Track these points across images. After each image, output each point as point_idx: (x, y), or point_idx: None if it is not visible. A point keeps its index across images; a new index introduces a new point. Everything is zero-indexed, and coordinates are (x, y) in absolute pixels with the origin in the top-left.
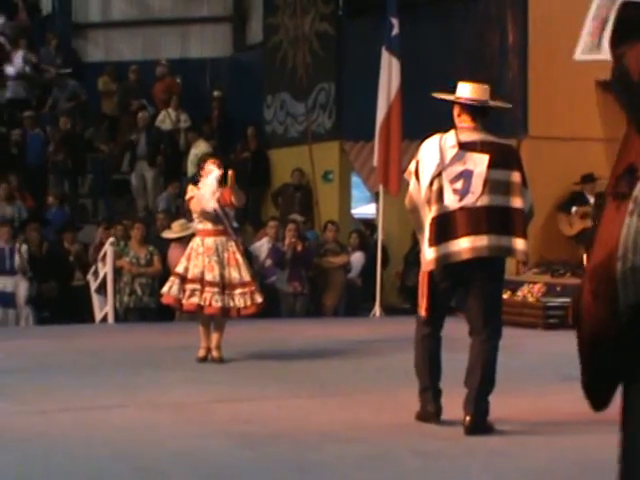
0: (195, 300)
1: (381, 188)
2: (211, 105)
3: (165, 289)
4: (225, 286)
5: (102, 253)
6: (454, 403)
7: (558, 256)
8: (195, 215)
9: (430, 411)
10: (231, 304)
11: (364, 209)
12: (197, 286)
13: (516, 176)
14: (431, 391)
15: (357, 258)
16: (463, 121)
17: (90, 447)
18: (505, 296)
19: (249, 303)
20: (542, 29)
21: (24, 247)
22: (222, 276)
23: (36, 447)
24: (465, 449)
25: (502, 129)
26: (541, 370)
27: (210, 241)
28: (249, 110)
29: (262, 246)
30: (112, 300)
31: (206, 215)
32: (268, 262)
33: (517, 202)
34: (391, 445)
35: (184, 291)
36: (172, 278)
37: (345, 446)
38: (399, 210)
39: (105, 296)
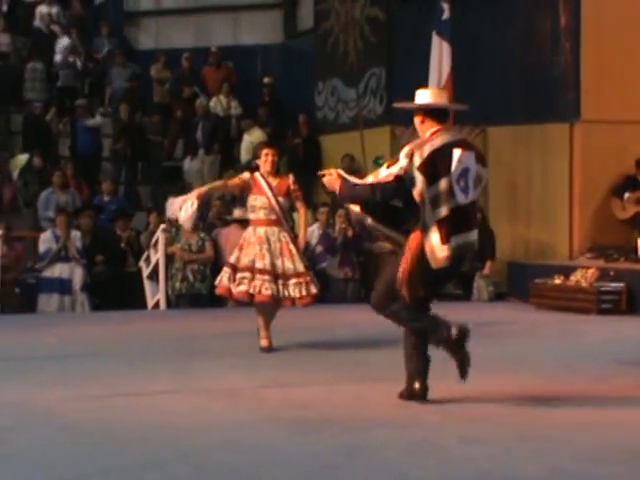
0: (244, 288)
1: None
2: (262, 92)
3: (218, 280)
4: (278, 276)
5: (154, 240)
6: (497, 388)
7: (611, 241)
8: (248, 204)
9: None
10: (285, 294)
11: None
12: (247, 274)
13: (485, 171)
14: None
15: None
16: (430, 126)
17: (141, 432)
18: (558, 281)
19: (304, 293)
20: (594, 12)
21: (77, 234)
22: (274, 265)
23: (88, 432)
24: (516, 435)
25: (555, 114)
26: (595, 355)
27: (262, 230)
28: (300, 96)
29: (313, 232)
30: (164, 286)
31: (259, 204)
32: (319, 248)
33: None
34: (440, 431)
35: (234, 280)
36: (225, 268)
37: (394, 432)
38: None
39: (157, 282)
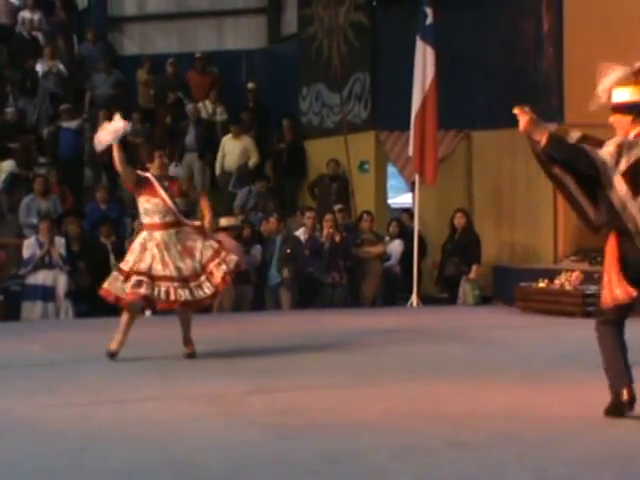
0: (142, 290)
1: (417, 178)
2: (246, 97)
3: (107, 284)
4: (187, 279)
5: None
6: (482, 392)
7: (596, 244)
8: (140, 208)
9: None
10: (201, 294)
11: (402, 199)
12: (145, 278)
13: None
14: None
15: (396, 246)
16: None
17: (125, 439)
18: (543, 284)
19: (220, 277)
20: (577, 17)
21: (61, 241)
22: (179, 269)
23: (72, 440)
24: (501, 440)
25: (539, 117)
26: (580, 358)
27: (158, 235)
28: (284, 101)
29: (299, 237)
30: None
31: (153, 208)
32: (306, 253)
33: None
34: (425, 436)
35: (126, 282)
36: (115, 274)
37: (379, 436)
38: (436, 199)
39: None
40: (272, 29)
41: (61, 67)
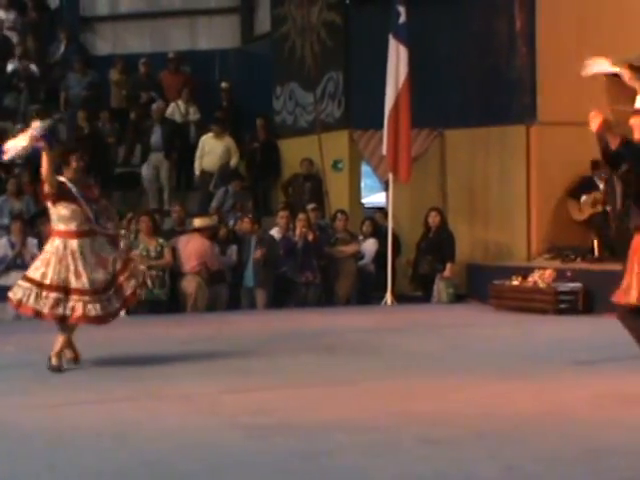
0: (59, 311)
1: (391, 176)
2: (220, 96)
3: (17, 295)
4: (97, 291)
5: None
6: (455, 388)
7: (568, 242)
8: (55, 214)
9: None
10: (116, 305)
11: (375, 198)
12: (60, 295)
13: None
14: None
15: (370, 245)
16: None
17: (98, 440)
18: (516, 282)
19: (129, 293)
20: (550, 16)
21: (34, 241)
22: (93, 281)
23: (46, 440)
24: (473, 436)
25: (512, 116)
26: (551, 355)
27: (74, 244)
28: (258, 101)
29: (274, 236)
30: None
31: (71, 214)
32: (280, 252)
33: None
34: (398, 433)
35: (46, 299)
36: (23, 283)
37: (352, 435)
38: (410, 198)
39: None
40: (245, 28)
41: (33, 67)
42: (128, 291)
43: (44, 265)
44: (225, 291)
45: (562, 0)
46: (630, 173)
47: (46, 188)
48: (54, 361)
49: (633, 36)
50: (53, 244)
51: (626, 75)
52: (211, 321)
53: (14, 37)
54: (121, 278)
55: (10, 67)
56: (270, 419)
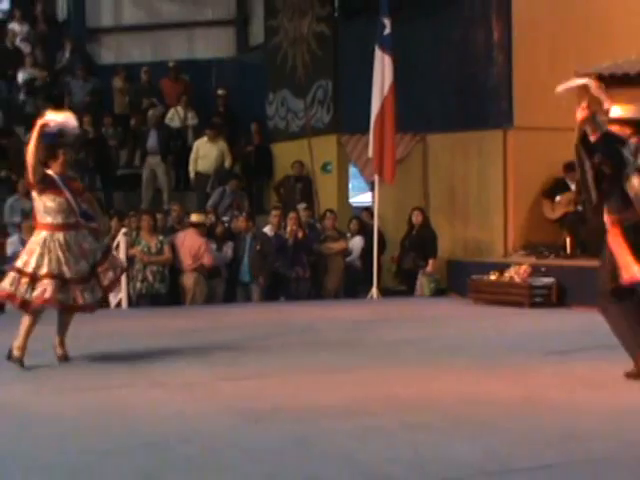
0: (59, 296)
1: (376, 178)
2: (216, 103)
3: (6, 285)
4: (84, 279)
5: (116, 243)
6: (436, 377)
7: (542, 239)
8: (41, 206)
9: None
10: (97, 296)
11: (362, 198)
12: (52, 281)
13: None
14: None
15: (357, 242)
16: None
17: (103, 424)
18: (494, 277)
19: (107, 284)
20: (525, 27)
21: None
22: (78, 271)
23: (52, 424)
24: (453, 420)
25: (489, 121)
26: (526, 345)
27: (61, 236)
28: (252, 107)
29: (267, 234)
30: (125, 287)
31: (57, 207)
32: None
33: None
34: (384, 418)
35: (33, 288)
36: (12, 274)
37: (341, 419)
38: (394, 198)
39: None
40: (240, 39)
41: (41, 75)
42: (105, 282)
43: (31, 256)
44: (221, 285)
45: (536, 13)
46: (603, 165)
47: (30, 177)
48: (17, 353)
49: (600, 47)
50: (39, 236)
51: (592, 85)
52: (208, 313)
53: (26, 48)
54: (100, 269)
55: (21, 76)
56: (264, 405)
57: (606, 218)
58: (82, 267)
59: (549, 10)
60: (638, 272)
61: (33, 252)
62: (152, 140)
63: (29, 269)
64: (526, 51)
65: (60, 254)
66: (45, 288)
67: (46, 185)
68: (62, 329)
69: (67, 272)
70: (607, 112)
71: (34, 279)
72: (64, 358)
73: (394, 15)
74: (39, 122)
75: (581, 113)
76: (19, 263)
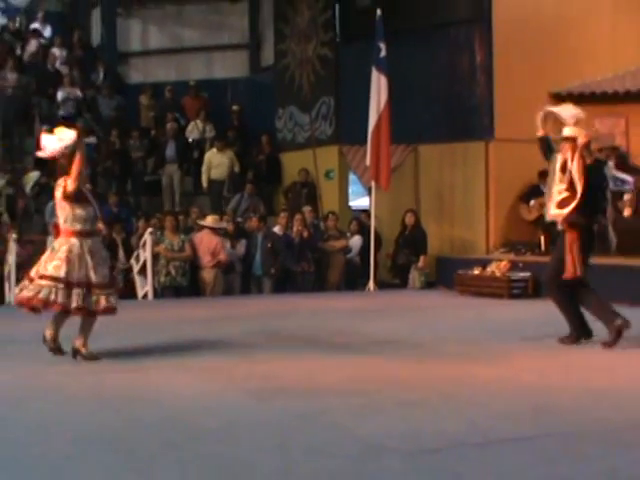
0: (86, 305)
1: (373, 184)
2: (231, 117)
3: (49, 295)
4: (107, 285)
5: (142, 241)
6: (427, 359)
7: (520, 238)
8: (72, 214)
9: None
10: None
11: (361, 201)
12: (84, 290)
13: None
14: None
15: (356, 241)
16: None
17: (131, 400)
18: (477, 272)
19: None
20: (504, 51)
21: None
22: (103, 276)
23: (87, 399)
24: (441, 398)
25: (473, 134)
26: (505, 332)
27: (89, 242)
28: (263, 121)
29: (276, 233)
30: (151, 280)
31: (87, 215)
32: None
33: None
34: (379, 397)
35: (68, 296)
36: (49, 282)
37: (342, 398)
38: (389, 202)
39: (145, 277)
40: (253, 61)
41: (78, 93)
42: (119, 285)
43: (64, 262)
44: (238, 279)
45: (514, 39)
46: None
47: (74, 186)
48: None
49: (570, 69)
50: (69, 243)
51: (555, 110)
52: (225, 304)
53: (65, 70)
54: (114, 273)
55: (60, 94)
56: (273, 384)
57: (562, 221)
58: (106, 272)
59: (526, 37)
60: (580, 270)
61: (66, 260)
62: (170, 150)
63: (62, 274)
64: (505, 73)
65: (88, 259)
66: (77, 296)
67: (80, 194)
68: (88, 330)
69: (93, 277)
70: (586, 144)
71: (69, 286)
72: (94, 357)
73: (389, 40)
74: (78, 134)
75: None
76: (49, 269)
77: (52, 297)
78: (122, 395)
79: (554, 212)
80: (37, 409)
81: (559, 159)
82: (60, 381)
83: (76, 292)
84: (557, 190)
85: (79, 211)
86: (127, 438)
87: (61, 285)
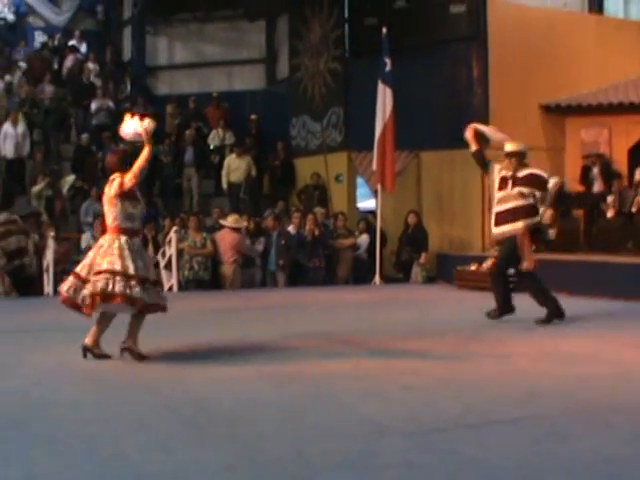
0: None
1: (379, 187)
2: (249, 126)
3: (123, 290)
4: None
5: (168, 239)
6: (428, 347)
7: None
8: (125, 212)
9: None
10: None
11: (367, 203)
12: (139, 284)
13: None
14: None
15: (364, 239)
16: None
17: (158, 383)
18: (474, 268)
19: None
20: (499, 66)
21: None
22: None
23: (118, 383)
24: (440, 383)
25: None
26: (500, 322)
27: (137, 241)
28: (279, 129)
29: (290, 231)
30: (176, 274)
31: (138, 213)
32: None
33: None
34: (383, 381)
35: (130, 287)
36: (114, 277)
37: (350, 382)
38: (394, 203)
39: (171, 271)
40: (269, 74)
41: (110, 104)
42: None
43: (123, 259)
44: (258, 273)
45: (508, 55)
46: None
47: (134, 181)
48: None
49: (560, 83)
50: (122, 241)
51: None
52: (243, 296)
53: (98, 82)
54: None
55: (94, 105)
56: (288, 369)
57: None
58: (154, 270)
59: (518, 54)
60: (532, 265)
61: (123, 257)
62: (189, 155)
63: (132, 271)
64: (499, 86)
65: (140, 257)
66: (135, 289)
67: (133, 191)
68: (138, 328)
69: (151, 275)
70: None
71: (128, 278)
72: (141, 357)
73: (394, 56)
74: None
75: (469, 132)
76: (104, 264)
77: (110, 288)
78: (149, 378)
79: (507, 228)
80: (75, 392)
81: (496, 170)
82: (98, 367)
83: (133, 284)
84: (501, 200)
85: (130, 209)
86: (154, 419)
87: (118, 277)
